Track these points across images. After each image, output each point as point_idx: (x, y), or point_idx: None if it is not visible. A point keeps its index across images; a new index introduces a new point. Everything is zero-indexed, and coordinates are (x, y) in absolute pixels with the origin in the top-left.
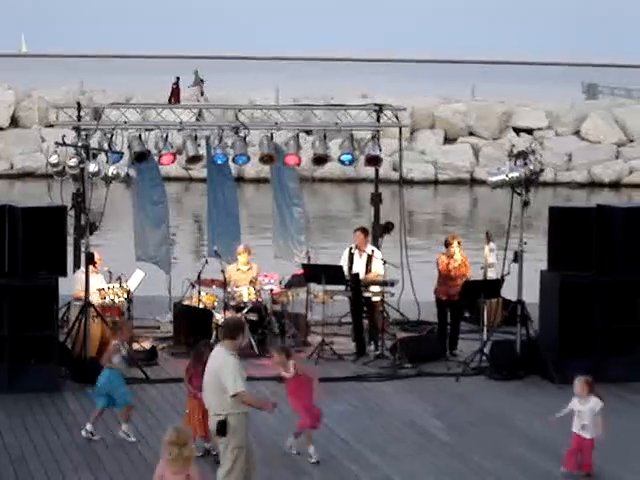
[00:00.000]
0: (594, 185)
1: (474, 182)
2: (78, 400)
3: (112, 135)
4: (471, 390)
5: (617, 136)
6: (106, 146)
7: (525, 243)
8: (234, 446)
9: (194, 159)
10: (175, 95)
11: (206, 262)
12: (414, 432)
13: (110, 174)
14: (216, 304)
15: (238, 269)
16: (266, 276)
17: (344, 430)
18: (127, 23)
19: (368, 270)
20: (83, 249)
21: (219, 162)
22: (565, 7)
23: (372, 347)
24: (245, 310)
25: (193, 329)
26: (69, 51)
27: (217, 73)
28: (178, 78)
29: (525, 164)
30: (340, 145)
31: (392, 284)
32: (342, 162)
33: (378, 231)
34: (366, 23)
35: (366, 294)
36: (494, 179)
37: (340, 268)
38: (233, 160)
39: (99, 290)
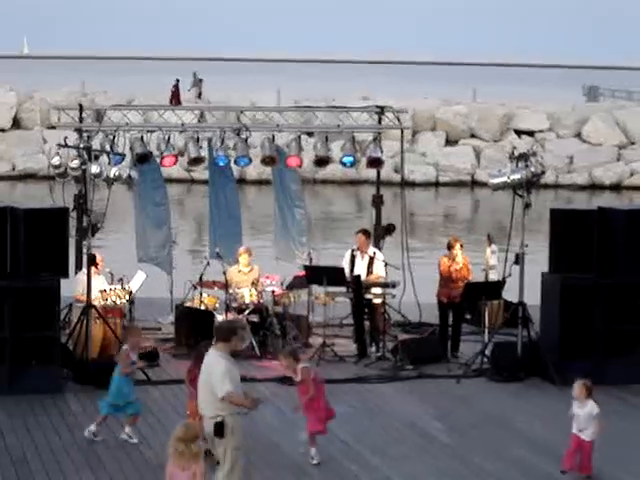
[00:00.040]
0: (595, 187)
1: (475, 184)
2: (79, 401)
3: (114, 137)
4: (472, 392)
5: (618, 138)
6: (108, 148)
7: (526, 245)
8: (233, 447)
9: (196, 161)
10: (175, 97)
11: (208, 264)
12: (415, 434)
13: (112, 176)
14: (218, 306)
15: (239, 271)
16: (268, 277)
17: (345, 431)
18: (128, 25)
19: (369, 272)
20: (85, 250)
21: (221, 164)
22: (565, 8)
23: (373, 349)
24: (247, 312)
25: (194, 331)
26: (70, 52)
27: (218, 75)
28: (178, 80)
29: (526, 166)
30: (342, 147)
31: (393, 286)
32: (343, 164)
33: (380, 233)
34: (367, 25)
35: (367, 296)
36: (495, 181)
37: (341, 270)
38: (235, 162)
39: (101, 291)
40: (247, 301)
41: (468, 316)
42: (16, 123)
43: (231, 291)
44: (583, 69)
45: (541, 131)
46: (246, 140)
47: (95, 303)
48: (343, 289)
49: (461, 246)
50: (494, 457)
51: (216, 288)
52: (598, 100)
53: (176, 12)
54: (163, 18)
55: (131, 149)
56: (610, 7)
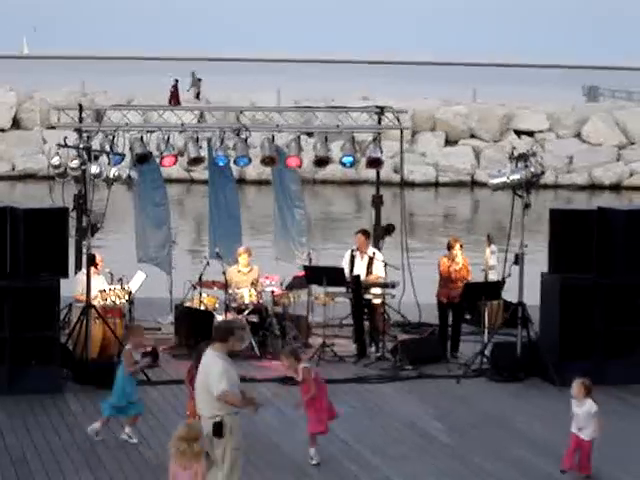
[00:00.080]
0: (595, 187)
1: (475, 184)
2: (79, 401)
3: (114, 137)
4: (472, 392)
5: (618, 138)
6: (108, 148)
7: (526, 245)
8: (232, 447)
9: (195, 161)
10: (174, 98)
11: (207, 264)
12: (415, 434)
13: (112, 176)
14: (217, 306)
15: (239, 271)
16: (267, 278)
17: (344, 431)
18: (128, 25)
19: (369, 272)
20: (84, 251)
21: (220, 164)
22: (565, 8)
23: (373, 349)
24: (246, 312)
25: (194, 331)
26: (70, 52)
27: (218, 75)
28: (177, 81)
29: (526, 166)
30: (341, 147)
31: (393, 286)
32: (343, 164)
33: (379, 233)
34: (367, 25)
35: (367, 296)
36: (495, 181)
37: (341, 270)
38: (234, 162)
39: (100, 291)
40: (247, 301)
41: (468, 316)
42: (16, 123)
43: (231, 291)
44: (583, 69)
45: (541, 131)
46: (246, 140)
47: (95, 303)
48: (343, 289)
49: (461, 246)
50: (494, 457)
51: (216, 288)
52: (598, 100)
53: (176, 12)
54: (163, 18)
55: (131, 149)
56: (610, 7)
